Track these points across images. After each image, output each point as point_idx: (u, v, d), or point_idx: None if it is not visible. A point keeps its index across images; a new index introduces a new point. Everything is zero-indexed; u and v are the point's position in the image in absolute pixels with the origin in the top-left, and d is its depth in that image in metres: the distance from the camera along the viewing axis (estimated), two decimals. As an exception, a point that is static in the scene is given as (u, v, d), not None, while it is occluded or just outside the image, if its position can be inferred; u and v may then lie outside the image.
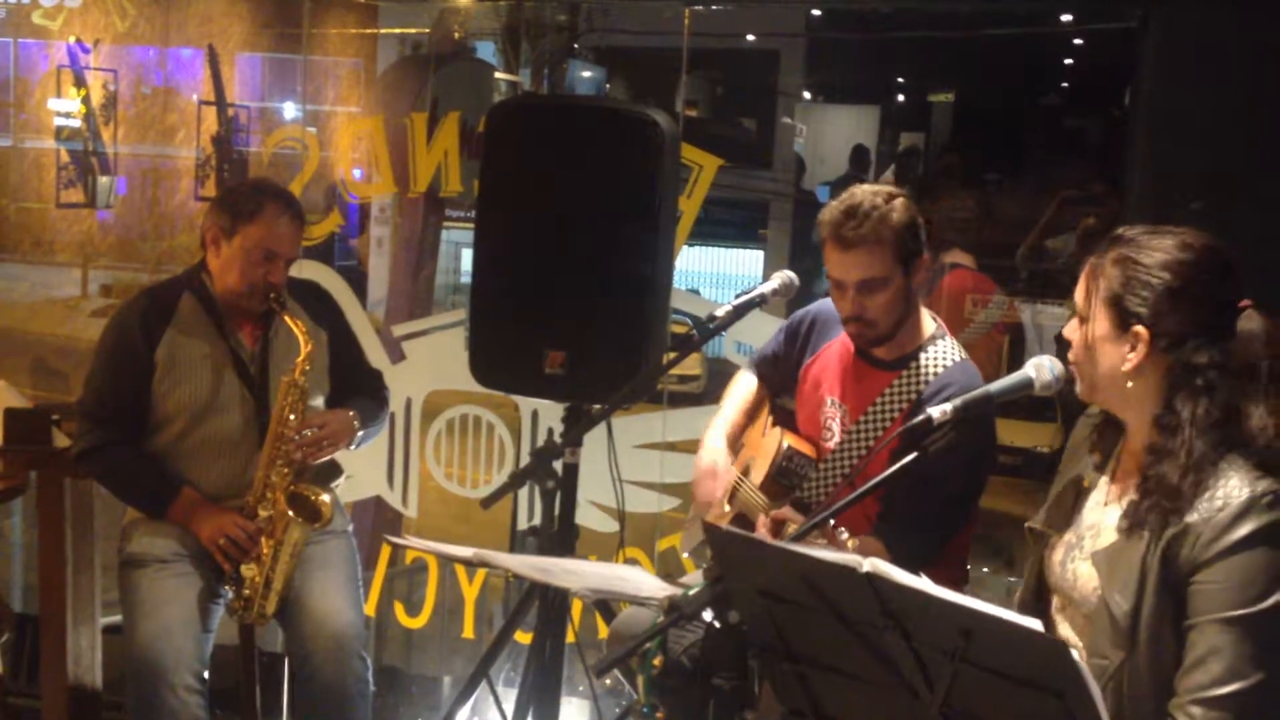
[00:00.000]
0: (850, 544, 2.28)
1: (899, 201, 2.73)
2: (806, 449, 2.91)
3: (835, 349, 2.98)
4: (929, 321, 2.89)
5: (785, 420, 3.08)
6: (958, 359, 2.83)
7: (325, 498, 3.20)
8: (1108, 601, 2.02)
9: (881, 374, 2.86)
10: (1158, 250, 2.03)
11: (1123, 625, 1.99)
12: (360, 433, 3.32)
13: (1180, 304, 2.01)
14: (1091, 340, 2.08)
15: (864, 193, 2.74)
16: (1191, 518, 1.95)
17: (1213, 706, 1.89)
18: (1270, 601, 1.90)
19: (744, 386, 3.22)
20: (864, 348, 2.87)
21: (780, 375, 3.14)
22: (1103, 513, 2.16)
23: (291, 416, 3.16)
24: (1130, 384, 2.05)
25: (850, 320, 2.80)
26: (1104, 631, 2.03)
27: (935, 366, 2.80)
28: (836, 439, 2.89)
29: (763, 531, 2.57)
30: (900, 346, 2.85)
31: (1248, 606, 1.90)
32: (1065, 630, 2.19)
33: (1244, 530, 1.91)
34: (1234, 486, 1.94)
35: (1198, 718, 1.90)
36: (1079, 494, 2.23)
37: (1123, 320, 2.04)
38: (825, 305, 3.02)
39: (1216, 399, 1.99)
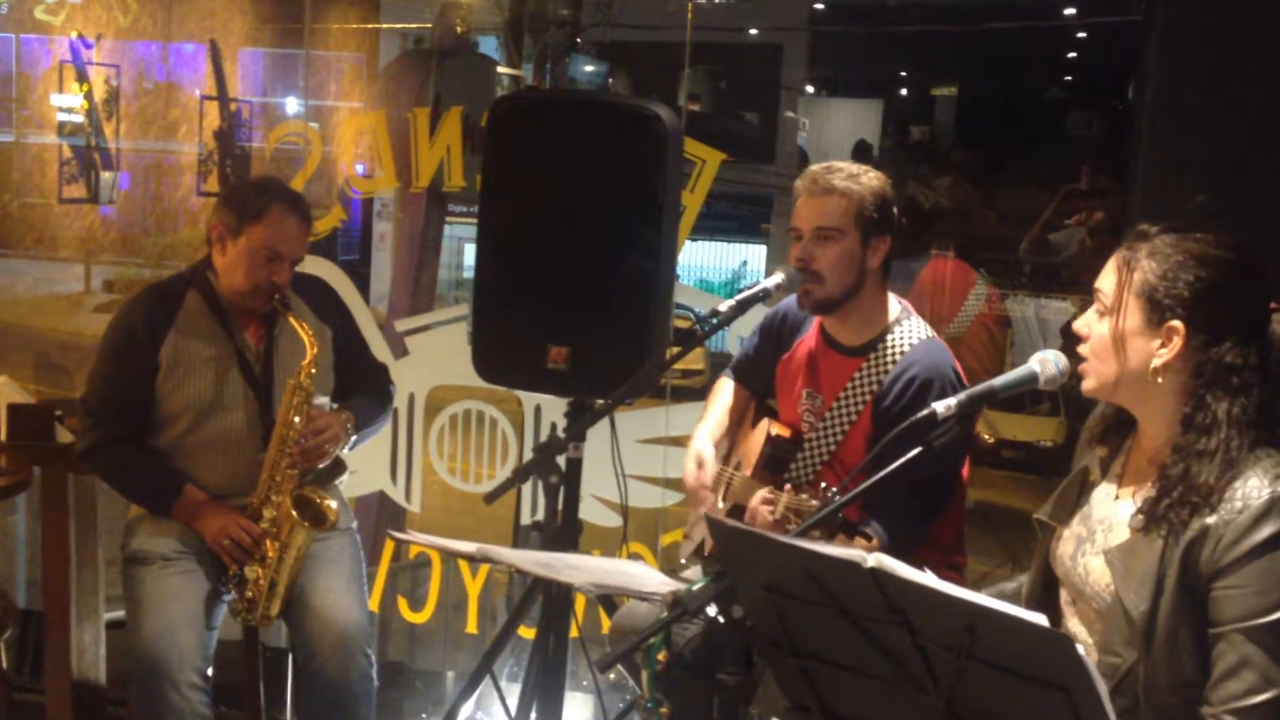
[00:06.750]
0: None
1: (875, 174, 2.86)
2: (789, 433, 2.95)
3: (808, 343, 3.00)
4: (894, 304, 2.92)
5: (770, 417, 3.09)
6: (923, 337, 2.85)
7: (331, 502, 3.19)
8: (1123, 600, 2.00)
9: (849, 360, 2.89)
10: (1197, 245, 2.00)
11: (1139, 625, 1.97)
12: (354, 436, 3.31)
13: (1219, 300, 1.98)
14: (1120, 333, 2.03)
15: (845, 161, 2.89)
16: (1211, 520, 1.92)
17: (1248, 715, 1.87)
18: None
19: (724, 394, 3.25)
20: (809, 309, 2.90)
21: (760, 376, 3.16)
22: (1114, 507, 2.13)
23: (296, 419, 3.16)
24: (1159, 380, 2.01)
25: (799, 269, 2.84)
26: (1118, 630, 2.01)
27: (900, 347, 2.83)
28: (812, 429, 2.91)
29: (760, 507, 2.60)
30: (865, 331, 2.88)
31: (1273, 612, 1.87)
32: (1075, 623, 2.18)
33: (1265, 532, 1.88)
34: (1253, 487, 1.91)
35: None
36: (1084, 486, 2.21)
37: (1157, 314, 2.00)
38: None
39: (1251, 399, 1.96)
